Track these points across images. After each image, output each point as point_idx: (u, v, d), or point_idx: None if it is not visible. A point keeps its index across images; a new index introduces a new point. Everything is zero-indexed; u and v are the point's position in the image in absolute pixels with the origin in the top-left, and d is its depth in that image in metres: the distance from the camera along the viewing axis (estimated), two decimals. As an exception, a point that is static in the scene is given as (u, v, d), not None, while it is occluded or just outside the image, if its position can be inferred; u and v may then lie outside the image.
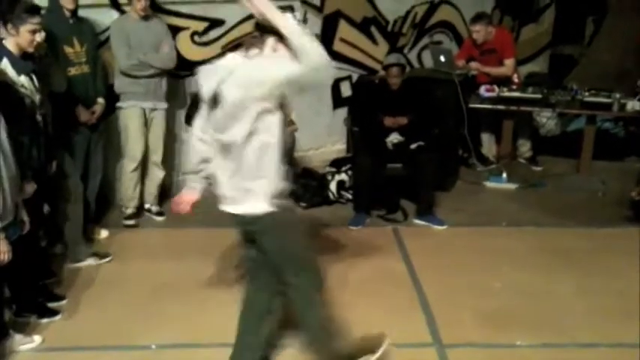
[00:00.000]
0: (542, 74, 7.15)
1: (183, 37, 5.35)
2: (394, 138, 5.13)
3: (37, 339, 3.46)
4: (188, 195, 3.11)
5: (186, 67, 5.35)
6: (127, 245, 4.68)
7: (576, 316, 3.70)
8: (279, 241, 2.84)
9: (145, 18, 4.74)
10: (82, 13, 4.53)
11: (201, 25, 5.43)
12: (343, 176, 5.51)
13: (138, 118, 4.81)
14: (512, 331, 3.55)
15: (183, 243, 4.75)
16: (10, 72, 3.48)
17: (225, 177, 2.82)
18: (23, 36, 3.54)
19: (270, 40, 2.63)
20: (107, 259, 4.37)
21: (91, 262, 4.31)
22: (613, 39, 7.12)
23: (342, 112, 6.40)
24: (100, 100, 4.57)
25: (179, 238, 4.84)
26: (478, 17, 6.01)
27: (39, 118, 3.62)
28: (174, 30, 5.20)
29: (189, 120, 5.28)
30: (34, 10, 3.60)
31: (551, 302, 3.87)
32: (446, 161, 5.50)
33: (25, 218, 3.30)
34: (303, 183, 5.43)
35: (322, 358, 3.04)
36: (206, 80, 2.74)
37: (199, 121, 2.92)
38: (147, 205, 5.14)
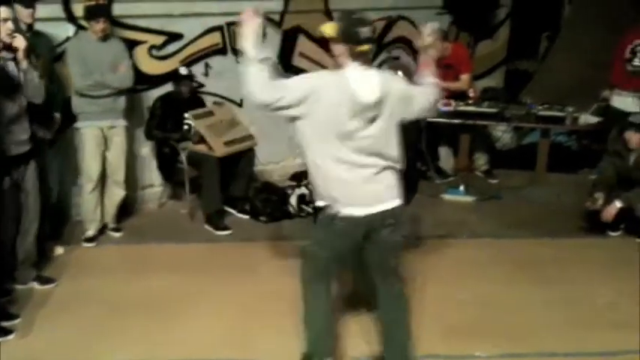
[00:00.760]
0: (498, 89, 7.30)
1: (141, 51, 5.32)
2: (354, 152, 5.16)
3: (-11, 359, 3.36)
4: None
5: (143, 81, 5.32)
6: (84, 262, 4.59)
7: (536, 326, 3.76)
8: (404, 229, 3.04)
9: (104, 38, 4.68)
10: (38, 26, 4.48)
11: (159, 39, 5.41)
12: (304, 190, 5.50)
13: (94, 139, 4.73)
14: (473, 342, 3.59)
15: (142, 259, 4.68)
16: None
17: (358, 184, 2.89)
18: None
19: None
20: (51, 285, 4.19)
21: (34, 285, 4.16)
22: (566, 54, 7.31)
23: (302, 126, 6.40)
24: (56, 115, 4.48)
25: (137, 254, 4.76)
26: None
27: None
28: (132, 44, 5.16)
29: (149, 134, 5.25)
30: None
31: (511, 312, 3.92)
32: (404, 175, 5.53)
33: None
34: (264, 197, 5.42)
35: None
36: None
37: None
38: (104, 222, 5.04)
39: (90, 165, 4.77)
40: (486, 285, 4.25)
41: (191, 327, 3.74)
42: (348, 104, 2.81)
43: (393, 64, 6.58)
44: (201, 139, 5.16)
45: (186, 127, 5.20)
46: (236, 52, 5.88)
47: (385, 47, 6.90)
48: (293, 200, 5.46)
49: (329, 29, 2.90)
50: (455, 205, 5.77)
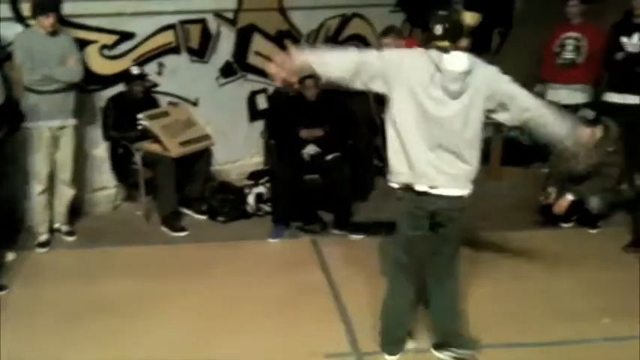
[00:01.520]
0: (452, 85, 7.37)
1: (92, 51, 5.21)
2: (310, 149, 5.17)
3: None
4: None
5: (95, 82, 5.23)
6: (37, 268, 4.49)
7: (491, 318, 3.81)
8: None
9: (52, 33, 4.58)
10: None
11: (110, 39, 5.31)
12: (261, 189, 5.49)
13: (44, 139, 4.63)
14: (429, 335, 3.61)
15: (97, 263, 4.60)
16: None
17: (441, 167, 3.06)
18: None
19: None
20: (2, 293, 4.07)
21: None
22: (518, 50, 7.43)
23: (259, 124, 6.40)
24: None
25: (92, 258, 4.68)
26: (388, 30, 6.12)
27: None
28: (83, 43, 5.05)
29: (107, 135, 5.16)
30: None
31: (467, 305, 3.95)
32: (362, 171, 5.58)
33: None
34: (221, 197, 5.39)
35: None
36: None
37: None
38: (56, 225, 4.94)
39: (39, 166, 4.67)
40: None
41: (150, 331, 3.68)
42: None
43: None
44: (157, 140, 5.10)
45: (140, 127, 5.13)
46: (190, 51, 5.83)
47: (340, 45, 6.91)
48: (251, 199, 5.44)
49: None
50: (412, 201, 5.81)
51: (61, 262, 4.66)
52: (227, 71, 6.13)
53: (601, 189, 4.96)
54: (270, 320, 3.81)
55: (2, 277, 4.24)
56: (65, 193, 4.88)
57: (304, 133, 5.16)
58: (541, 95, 5.96)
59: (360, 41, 7.03)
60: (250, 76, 6.31)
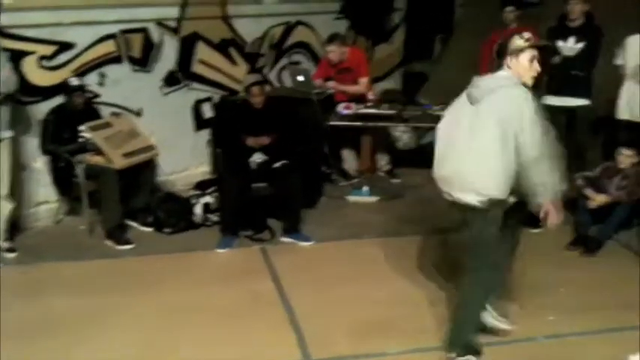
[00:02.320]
0: (396, 91, 7.49)
1: (30, 62, 5.07)
2: (258, 157, 5.16)
3: None
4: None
5: (34, 93, 5.10)
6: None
7: (432, 320, 3.84)
8: None
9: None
10: None
11: (49, 49, 5.18)
12: (208, 198, 5.43)
13: None
14: (382, 339, 3.64)
15: (40, 280, 4.46)
16: None
17: None
18: None
19: None
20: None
21: None
22: (458, 55, 7.58)
23: (205, 133, 6.35)
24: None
25: (35, 275, 4.53)
26: (332, 38, 6.19)
27: None
28: (20, 55, 4.92)
29: (45, 149, 5.02)
30: None
31: (418, 309, 4.01)
32: (309, 178, 5.60)
33: None
34: (167, 208, 5.30)
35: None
36: None
37: None
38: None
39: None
40: (390, 283, 4.34)
41: (97, 348, 3.60)
42: None
43: (294, 70, 6.63)
44: (99, 152, 5.00)
45: (81, 139, 5.02)
46: (132, 61, 5.74)
47: (285, 53, 6.93)
48: (198, 209, 5.38)
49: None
50: (360, 206, 5.86)
51: (2, 279, 4.50)
52: (171, 80, 6.06)
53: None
54: (220, 331, 3.77)
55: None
56: (3, 207, 4.72)
57: (251, 141, 5.14)
58: None
59: (305, 49, 7.06)
60: (195, 85, 6.26)
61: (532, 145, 3.06)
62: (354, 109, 6.08)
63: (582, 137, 5.71)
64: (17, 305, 4.05)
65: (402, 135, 6.88)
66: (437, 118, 6.05)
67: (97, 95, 5.51)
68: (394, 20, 7.91)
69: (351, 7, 7.27)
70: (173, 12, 5.93)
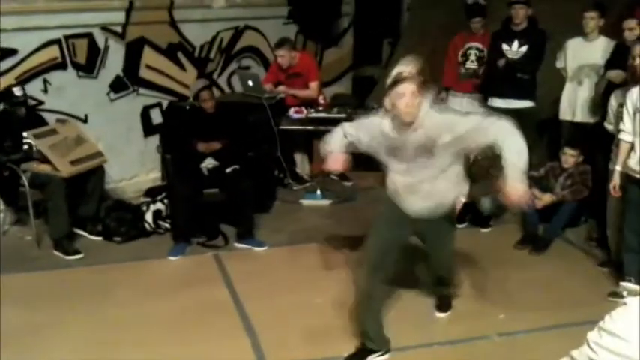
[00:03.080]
0: (346, 95, 7.52)
1: (-29, 69, 4.93)
2: (209, 163, 5.11)
3: None
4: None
5: (-25, 101, 4.95)
6: None
7: (392, 321, 3.85)
8: None
9: None
10: None
11: (-10, 56, 5.04)
12: (159, 205, 5.35)
13: None
14: (336, 344, 3.65)
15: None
16: None
17: None
18: None
19: None
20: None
21: None
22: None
23: (155, 139, 6.26)
24: None
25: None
26: (281, 42, 6.19)
27: None
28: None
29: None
30: None
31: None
32: (262, 183, 5.58)
33: None
34: (117, 216, 5.20)
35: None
36: None
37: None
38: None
39: None
40: (343, 287, 4.30)
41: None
42: None
43: (244, 74, 6.60)
44: (45, 160, 4.87)
45: (26, 147, 4.88)
46: (77, 66, 5.62)
47: (234, 57, 6.90)
48: (149, 217, 5.29)
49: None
50: (313, 210, 5.87)
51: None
52: (118, 86, 5.96)
53: (492, 191, 5.19)
54: (174, 338, 3.72)
55: None
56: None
57: (201, 147, 5.09)
58: (442, 101, 6.20)
59: (255, 53, 7.05)
60: (143, 91, 6.17)
61: (489, 122, 3.27)
62: (305, 113, 6.10)
63: (527, 138, 5.81)
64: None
65: (353, 138, 6.90)
66: (387, 122, 6.23)
67: (40, 102, 5.37)
68: (343, 25, 7.96)
69: (299, 12, 7.29)
70: (118, 17, 5.83)
